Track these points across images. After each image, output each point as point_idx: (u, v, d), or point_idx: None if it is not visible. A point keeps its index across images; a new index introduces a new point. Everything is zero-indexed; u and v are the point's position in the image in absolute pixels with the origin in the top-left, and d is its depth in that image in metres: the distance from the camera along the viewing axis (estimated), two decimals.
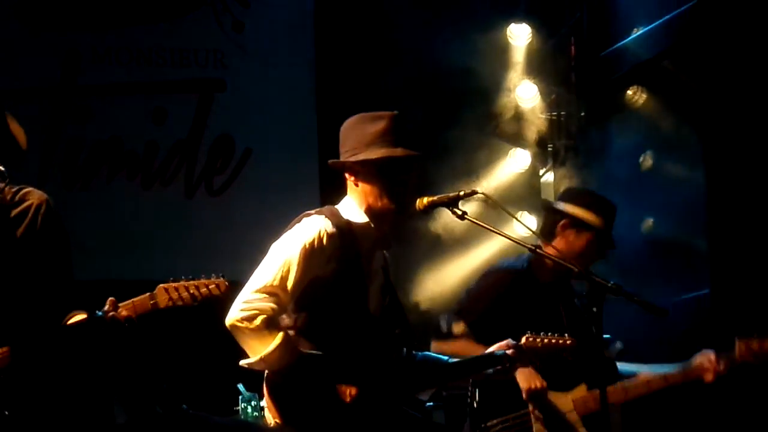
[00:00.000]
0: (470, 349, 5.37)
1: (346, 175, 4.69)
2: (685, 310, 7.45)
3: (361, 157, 4.59)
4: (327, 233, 4.51)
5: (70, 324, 4.20)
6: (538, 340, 4.88)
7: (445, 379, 4.98)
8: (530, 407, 5.42)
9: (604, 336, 4.70)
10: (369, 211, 4.64)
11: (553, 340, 4.90)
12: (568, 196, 6.04)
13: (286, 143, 8.98)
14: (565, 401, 5.52)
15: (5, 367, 4.07)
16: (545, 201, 6.00)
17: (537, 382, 5.39)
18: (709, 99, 7.50)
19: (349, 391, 4.46)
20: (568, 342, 4.93)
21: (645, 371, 5.69)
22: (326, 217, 4.57)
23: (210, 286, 4.26)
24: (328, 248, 4.49)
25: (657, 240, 8.12)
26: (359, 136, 4.62)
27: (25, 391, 4.12)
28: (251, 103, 9.00)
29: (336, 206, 4.69)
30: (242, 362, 4.46)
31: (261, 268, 4.50)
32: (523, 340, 4.86)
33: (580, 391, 5.57)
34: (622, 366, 5.74)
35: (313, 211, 4.63)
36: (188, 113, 8.92)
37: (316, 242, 4.49)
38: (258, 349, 4.37)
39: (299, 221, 4.60)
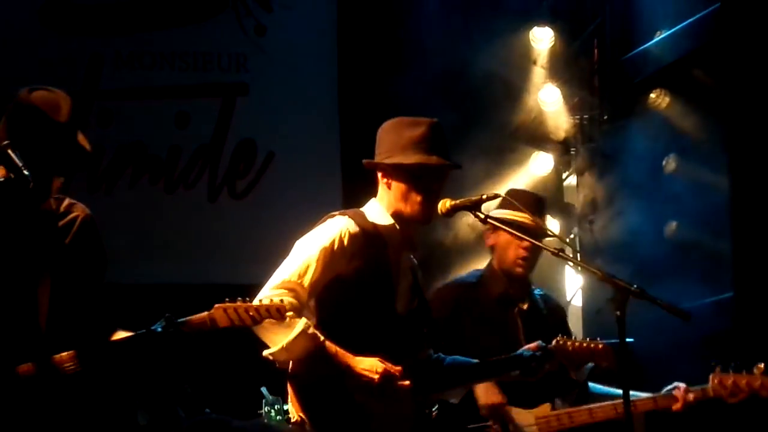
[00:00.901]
0: None
1: (379, 176, 4.70)
2: (709, 313, 7.41)
3: (395, 160, 4.61)
4: (349, 233, 4.53)
5: (124, 338, 4.21)
6: (569, 343, 4.84)
7: (472, 379, 4.97)
8: (490, 422, 5.34)
9: (628, 340, 4.66)
10: (397, 214, 4.66)
11: (584, 344, 4.86)
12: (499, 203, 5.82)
13: (308, 147, 8.98)
14: (526, 417, 5.41)
15: (74, 373, 4.09)
16: None
17: (495, 398, 5.32)
18: (732, 101, 7.47)
19: (376, 369, 4.44)
20: (600, 347, 4.87)
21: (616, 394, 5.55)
22: (350, 217, 4.60)
23: (271, 311, 4.23)
24: (350, 248, 4.51)
25: (680, 243, 8.10)
26: (396, 139, 4.64)
27: (85, 398, 4.17)
28: (274, 106, 9.00)
29: (361, 209, 4.71)
30: (265, 352, 4.47)
31: (281, 267, 4.53)
32: (554, 342, 4.84)
33: (544, 409, 5.47)
34: (594, 386, 5.68)
35: (337, 213, 4.66)
36: (211, 117, 8.93)
37: (336, 242, 4.51)
38: (279, 340, 4.38)
39: (323, 221, 4.62)
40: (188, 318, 4.23)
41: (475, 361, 4.89)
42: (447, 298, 5.67)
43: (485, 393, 5.30)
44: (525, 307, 5.71)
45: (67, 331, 4.17)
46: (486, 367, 4.89)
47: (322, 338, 4.43)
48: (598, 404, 5.43)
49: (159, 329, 4.15)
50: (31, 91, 4.24)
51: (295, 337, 4.36)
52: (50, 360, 4.05)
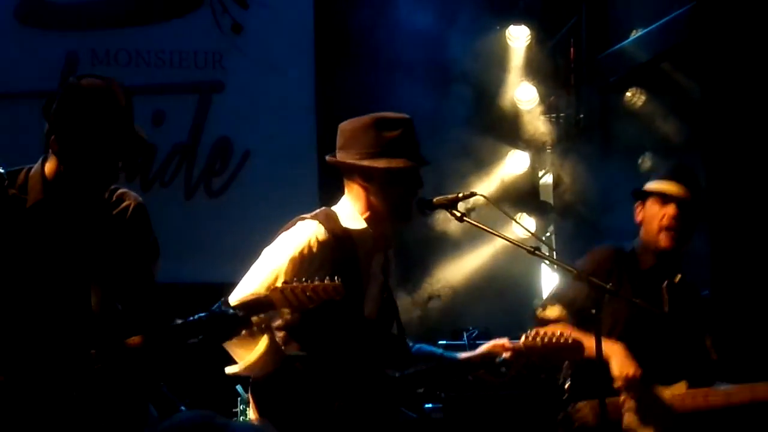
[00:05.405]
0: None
1: (354, 176, 4.61)
2: None
3: (374, 163, 4.51)
4: (318, 240, 4.45)
5: (190, 321, 4.16)
6: (539, 339, 4.73)
7: (437, 379, 4.90)
8: (622, 396, 5.08)
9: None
10: (372, 214, 4.58)
11: (554, 339, 4.72)
12: (654, 176, 5.67)
13: (284, 145, 8.98)
14: (662, 393, 5.19)
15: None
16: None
17: (631, 369, 5.05)
18: (707, 100, 7.49)
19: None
20: (569, 341, 4.79)
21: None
22: (320, 222, 4.50)
23: (328, 290, 4.19)
24: (319, 255, 4.43)
25: None
26: (373, 139, 4.53)
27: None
28: (250, 104, 9.00)
29: (333, 208, 4.64)
30: (227, 370, 4.44)
31: (249, 275, 4.46)
32: (523, 339, 4.75)
33: (680, 387, 5.22)
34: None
35: (308, 216, 4.56)
36: (187, 115, 8.93)
37: (305, 250, 4.43)
38: (242, 355, 4.35)
39: (293, 224, 4.56)
40: (247, 301, 4.21)
41: (440, 352, 4.85)
42: (603, 260, 5.40)
43: (621, 364, 5.04)
44: (676, 280, 5.50)
45: (121, 320, 4.15)
46: (451, 366, 4.81)
47: (285, 354, 4.39)
48: (735, 386, 5.21)
49: (230, 312, 4.11)
50: (80, 78, 4.17)
51: (258, 357, 4.31)
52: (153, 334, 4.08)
